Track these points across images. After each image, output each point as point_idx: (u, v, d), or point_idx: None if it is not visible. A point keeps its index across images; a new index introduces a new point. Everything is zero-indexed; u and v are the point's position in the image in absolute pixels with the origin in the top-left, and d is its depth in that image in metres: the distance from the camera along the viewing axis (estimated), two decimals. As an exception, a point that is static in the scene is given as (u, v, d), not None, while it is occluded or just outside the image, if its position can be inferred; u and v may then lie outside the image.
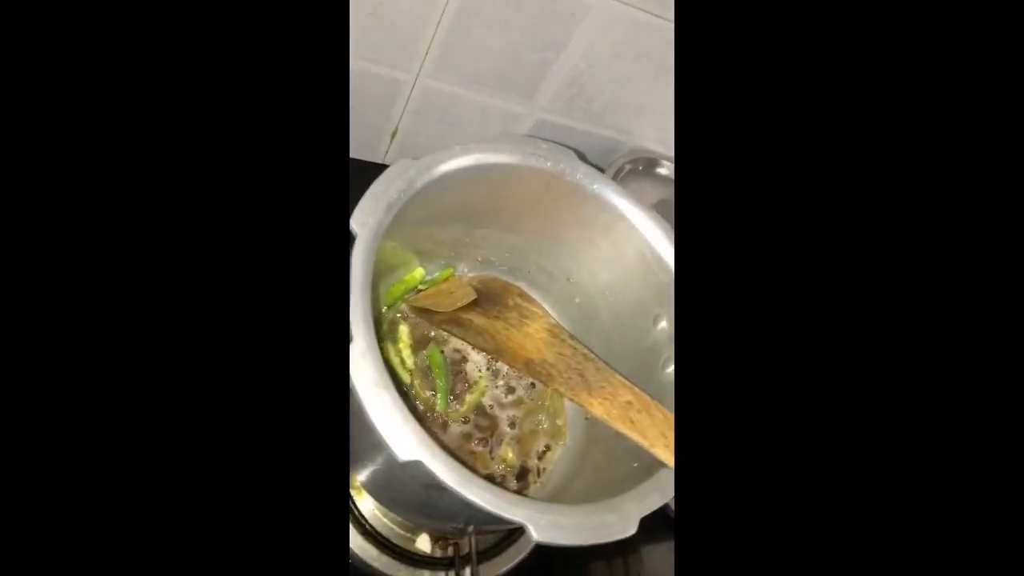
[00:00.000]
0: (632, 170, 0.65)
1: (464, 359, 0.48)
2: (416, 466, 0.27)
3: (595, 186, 0.41)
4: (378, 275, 0.43)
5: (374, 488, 0.39)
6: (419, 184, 0.35)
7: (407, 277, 0.46)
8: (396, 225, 0.35)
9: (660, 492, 0.32)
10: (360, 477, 0.38)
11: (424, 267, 0.47)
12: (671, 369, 0.41)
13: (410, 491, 0.32)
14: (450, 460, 0.28)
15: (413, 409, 0.44)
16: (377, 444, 0.28)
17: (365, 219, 0.32)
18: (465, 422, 0.45)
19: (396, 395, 0.28)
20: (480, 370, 0.48)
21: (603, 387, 0.39)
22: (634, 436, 0.35)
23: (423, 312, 0.46)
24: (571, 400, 0.39)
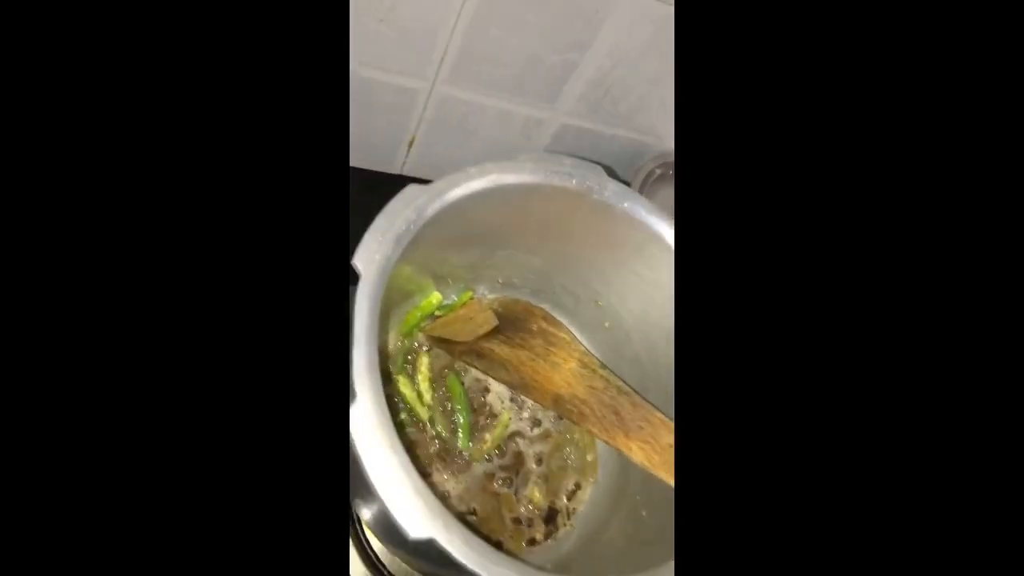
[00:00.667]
0: (662, 175, 0.61)
1: (486, 389, 0.45)
2: (429, 544, 0.24)
3: (625, 204, 0.37)
4: (391, 303, 0.40)
5: (391, 547, 0.36)
6: (430, 212, 0.32)
7: (423, 304, 0.43)
8: (407, 254, 0.32)
9: None
10: (373, 530, 0.35)
11: (440, 291, 0.44)
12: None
13: (426, 558, 0.29)
14: (467, 535, 0.25)
15: (431, 447, 0.41)
16: (386, 514, 0.25)
17: (371, 256, 0.29)
18: (489, 459, 0.42)
19: (405, 459, 0.25)
20: (503, 401, 0.44)
21: (642, 427, 0.35)
22: None
23: (441, 342, 0.42)
24: (607, 443, 0.35)
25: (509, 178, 0.34)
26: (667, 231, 0.38)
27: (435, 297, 0.43)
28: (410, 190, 0.32)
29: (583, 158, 0.37)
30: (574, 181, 0.36)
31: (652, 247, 0.38)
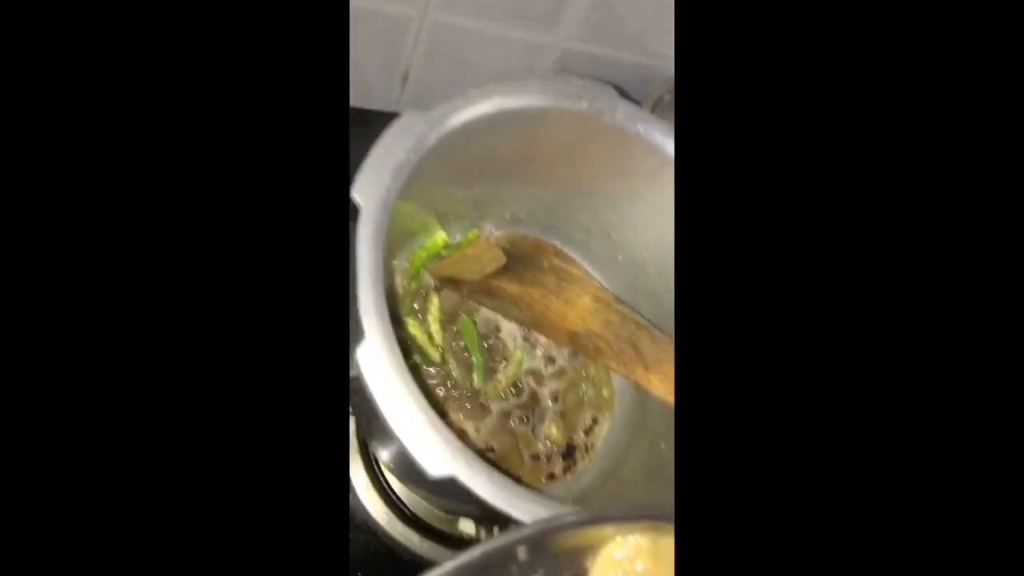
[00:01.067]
0: (672, 100, 0.57)
1: (498, 328, 0.44)
2: (450, 482, 0.24)
3: (639, 126, 0.35)
4: (395, 244, 0.39)
5: (413, 488, 0.36)
6: (431, 140, 0.30)
7: (428, 243, 0.41)
8: (408, 188, 0.30)
9: None
10: (397, 475, 0.35)
11: (445, 229, 0.42)
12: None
13: (451, 495, 0.29)
14: (489, 470, 0.24)
15: (445, 388, 0.41)
16: (404, 454, 0.24)
17: (370, 188, 0.27)
18: (504, 398, 0.42)
19: (420, 397, 0.24)
20: (516, 339, 0.43)
21: (661, 360, 0.34)
22: None
23: (448, 282, 0.41)
24: (626, 378, 0.34)
25: (514, 101, 0.32)
26: (683, 153, 0.35)
27: (440, 236, 0.42)
28: (408, 118, 0.29)
29: (594, 78, 0.34)
30: (584, 104, 0.33)
31: (667, 172, 0.36)
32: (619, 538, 0.22)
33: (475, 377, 0.41)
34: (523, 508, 0.24)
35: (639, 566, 0.21)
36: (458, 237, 0.43)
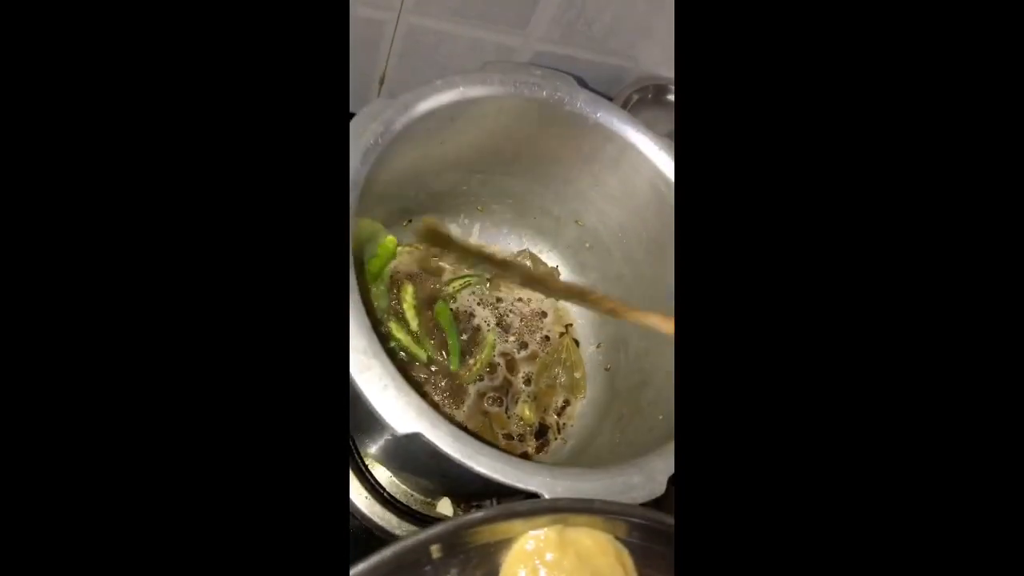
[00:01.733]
0: (641, 99, 0.60)
1: (471, 315, 0.45)
2: (417, 439, 0.25)
3: (598, 114, 0.37)
4: (357, 247, 0.40)
5: (384, 459, 0.37)
6: (398, 126, 0.31)
7: (380, 250, 0.42)
8: (378, 175, 0.31)
9: None
10: (370, 450, 0.36)
11: (418, 227, 0.44)
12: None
13: (419, 462, 0.30)
14: (453, 430, 0.26)
15: (424, 374, 0.42)
16: (374, 418, 0.25)
17: (340, 170, 0.29)
18: (480, 379, 0.43)
19: (388, 363, 0.26)
20: (489, 325, 0.45)
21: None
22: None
23: (438, 239, 0.42)
24: (629, 321, 0.36)
25: (478, 91, 0.34)
26: (640, 139, 0.37)
27: (390, 240, 0.43)
28: (375, 104, 0.31)
29: (554, 68, 0.36)
30: (544, 92, 0.35)
31: (628, 157, 0.38)
32: (529, 532, 0.22)
33: (452, 360, 0.42)
34: (485, 463, 0.25)
35: (548, 557, 0.22)
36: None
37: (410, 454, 0.31)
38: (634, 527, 0.23)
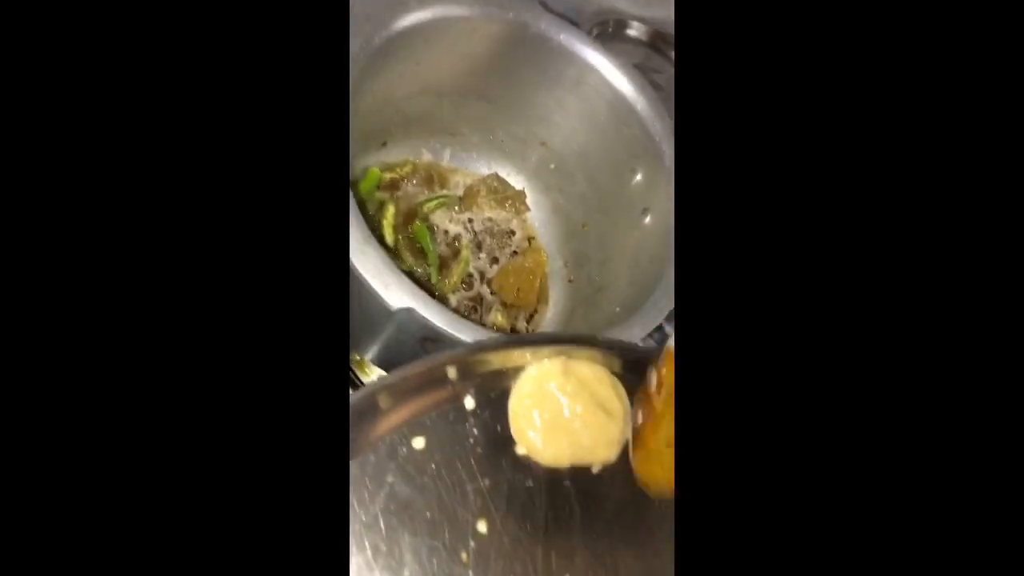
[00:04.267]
0: (601, 33, 0.62)
1: (446, 232, 0.48)
2: (409, 315, 0.29)
3: (561, 36, 0.40)
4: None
5: (377, 358, 0.40)
6: (377, 41, 0.34)
7: (365, 180, 0.45)
8: (359, 91, 0.34)
9: (653, 313, 0.33)
10: (366, 356, 0.40)
11: (394, 151, 0.46)
12: (649, 218, 0.42)
13: (407, 347, 0.34)
14: (442, 307, 0.29)
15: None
16: (369, 301, 0.29)
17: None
18: (456, 291, 0.47)
19: (380, 250, 0.29)
20: (463, 241, 0.49)
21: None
22: None
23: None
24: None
25: (450, 10, 0.36)
26: (601, 62, 0.41)
27: (373, 171, 0.45)
28: (354, 23, 0.33)
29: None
30: (511, 14, 0.38)
31: (589, 80, 0.42)
32: (535, 362, 0.27)
33: (432, 272, 0.46)
34: (469, 334, 0.29)
35: (552, 383, 0.26)
36: (399, 158, 0.48)
37: (402, 343, 0.35)
38: (628, 364, 0.27)
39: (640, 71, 0.56)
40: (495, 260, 0.49)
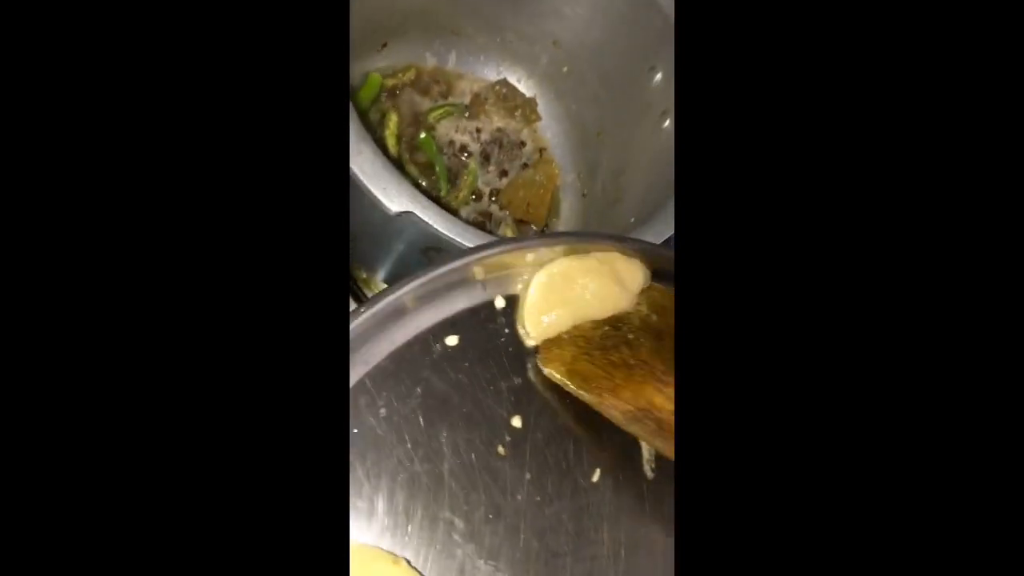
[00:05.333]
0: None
1: (452, 142, 0.46)
2: (408, 218, 0.27)
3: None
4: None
5: (388, 276, 0.39)
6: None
7: (365, 86, 0.42)
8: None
9: (669, 221, 0.32)
10: (375, 275, 0.39)
11: (395, 54, 0.43)
12: (669, 122, 0.39)
13: (405, 252, 0.33)
14: (442, 211, 0.28)
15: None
16: (371, 212, 0.27)
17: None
18: (467, 204, 0.45)
19: (377, 150, 0.27)
20: (469, 152, 0.46)
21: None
22: None
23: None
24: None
25: None
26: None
27: (374, 78, 0.42)
28: None
29: None
30: None
31: (603, -35, 0.38)
32: (546, 264, 0.25)
33: (441, 184, 0.44)
34: (469, 238, 0.28)
35: (574, 263, 0.25)
36: (402, 64, 0.45)
37: (404, 256, 0.33)
38: (646, 260, 0.26)
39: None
40: (504, 173, 0.47)
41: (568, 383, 0.24)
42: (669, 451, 0.24)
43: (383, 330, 0.23)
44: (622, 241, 0.25)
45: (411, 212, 0.27)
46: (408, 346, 0.23)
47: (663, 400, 0.24)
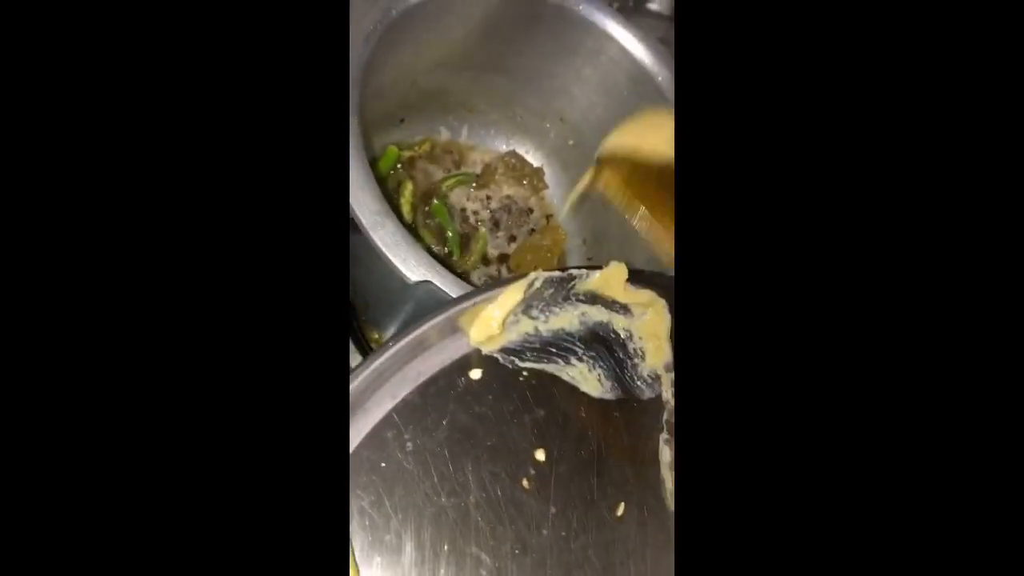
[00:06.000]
0: (622, 7, 0.61)
1: (463, 210, 0.48)
2: (427, 288, 0.29)
3: (580, 7, 0.39)
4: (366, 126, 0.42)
5: (386, 319, 0.40)
6: (395, 13, 0.33)
7: (383, 158, 0.45)
8: (376, 64, 0.34)
9: None
10: (371, 311, 0.40)
11: (412, 128, 0.46)
12: (669, 194, 0.41)
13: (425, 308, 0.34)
14: (459, 280, 0.29)
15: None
16: (388, 277, 0.29)
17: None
18: (475, 270, 0.47)
19: (398, 223, 0.29)
20: (481, 219, 0.48)
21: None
22: None
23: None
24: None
25: (467, -20, 0.35)
26: (620, 32, 0.40)
27: (391, 150, 0.45)
28: (372, -5, 0.33)
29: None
30: (529, -17, 0.37)
31: (608, 50, 0.41)
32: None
33: (453, 249, 0.46)
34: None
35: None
36: (418, 137, 0.48)
37: (419, 312, 0.35)
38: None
39: (661, 44, 0.55)
40: (513, 238, 0.49)
41: (622, 193, 0.24)
42: None
43: (408, 364, 0.24)
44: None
45: (429, 281, 0.28)
46: (433, 380, 0.24)
47: None
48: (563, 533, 0.23)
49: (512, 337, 0.26)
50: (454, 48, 0.41)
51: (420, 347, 0.24)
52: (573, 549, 0.23)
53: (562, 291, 0.27)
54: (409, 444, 0.23)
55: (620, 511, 0.24)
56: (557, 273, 0.27)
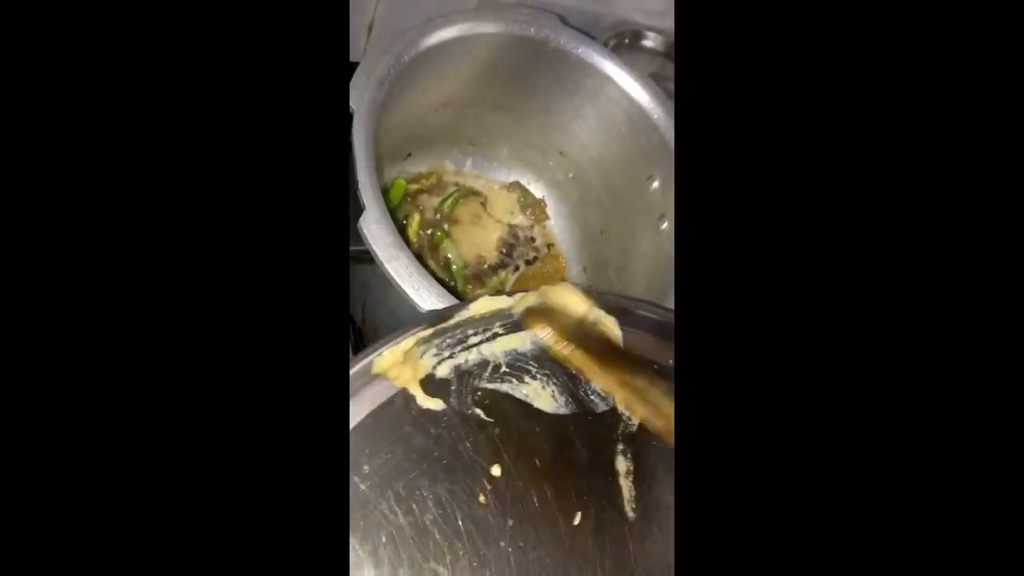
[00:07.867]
0: (618, 44, 0.63)
1: (479, 254, 0.50)
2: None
3: (580, 50, 0.41)
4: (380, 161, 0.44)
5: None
6: (406, 59, 0.35)
7: (392, 191, 0.47)
8: (389, 105, 0.36)
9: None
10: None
11: (417, 161, 0.48)
12: (667, 224, 0.43)
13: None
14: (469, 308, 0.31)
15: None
16: (400, 306, 0.30)
17: (360, 95, 0.33)
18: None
19: (411, 255, 0.31)
20: (496, 259, 0.50)
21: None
22: None
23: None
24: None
25: (473, 28, 0.38)
26: (617, 73, 0.42)
27: (399, 184, 0.47)
28: (386, 41, 0.35)
29: (540, 8, 0.40)
30: (532, 29, 0.40)
31: (607, 90, 0.43)
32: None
33: (457, 282, 0.47)
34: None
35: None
36: (424, 169, 0.50)
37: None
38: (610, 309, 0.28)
39: (656, 80, 0.57)
40: (516, 268, 0.51)
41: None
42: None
43: (365, 388, 0.24)
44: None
45: (440, 311, 0.30)
46: (389, 402, 0.24)
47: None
48: (520, 544, 0.23)
49: (442, 371, 0.26)
50: (460, 88, 0.43)
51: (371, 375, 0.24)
52: (531, 560, 0.23)
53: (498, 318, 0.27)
54: (366, 466, 0.23)
55: (577, 520, 0.24)
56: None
